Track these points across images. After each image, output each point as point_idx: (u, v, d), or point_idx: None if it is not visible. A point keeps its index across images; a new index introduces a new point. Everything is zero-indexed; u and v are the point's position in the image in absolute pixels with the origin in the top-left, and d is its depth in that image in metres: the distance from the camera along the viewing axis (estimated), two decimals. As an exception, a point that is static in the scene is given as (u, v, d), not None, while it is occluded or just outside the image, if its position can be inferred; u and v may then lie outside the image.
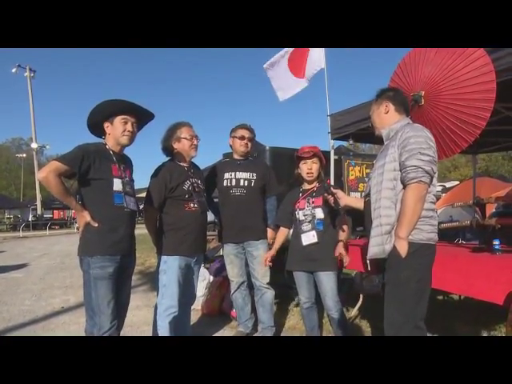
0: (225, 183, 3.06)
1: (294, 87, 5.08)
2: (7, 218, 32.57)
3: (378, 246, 1.86)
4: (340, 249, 2.57)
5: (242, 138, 3.05)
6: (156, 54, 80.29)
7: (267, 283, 3.05)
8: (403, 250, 1.76)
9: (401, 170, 1.82)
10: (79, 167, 2.07)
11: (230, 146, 3.17)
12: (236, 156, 3.14)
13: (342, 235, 2.63)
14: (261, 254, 3.00)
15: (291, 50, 4.97)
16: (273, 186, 3.15)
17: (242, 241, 3.04)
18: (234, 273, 3.11)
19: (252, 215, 3.00)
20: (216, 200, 3.26)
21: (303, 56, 4.91)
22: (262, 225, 3.05)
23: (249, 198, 3.01)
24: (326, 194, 2.42)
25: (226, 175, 3.07)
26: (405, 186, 1.80)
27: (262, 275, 3.03)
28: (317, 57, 4.81)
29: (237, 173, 3.05)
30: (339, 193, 2.33)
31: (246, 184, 3.03)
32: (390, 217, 1.83)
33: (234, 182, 3.04)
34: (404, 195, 1.79)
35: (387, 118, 2.04)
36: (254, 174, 3.06)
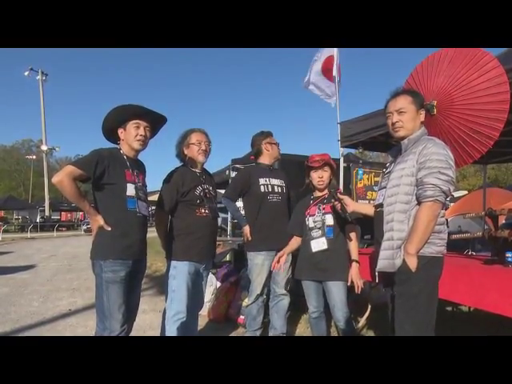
0: (262, 189, 3.00)
1: (333, 90, 5.25)
2: (15, 218, 32.94)
3: (388, 259, 1.86)
4: (354, 273, 2.54)
5: (276, 144, 3.13)
6: (169, 57, 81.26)
7: (287, 290, 3.04)
8: (413, 265, 1.77)
9: (417, 186, 1.80)
10: (93, 172, 2.09)
11: (260, 152, 3.11)
12: (267, 162, 3.12)
13: (354, 251, 2.59)
14: (289, 261, 2.99)
15: (322, 57, 5.09)
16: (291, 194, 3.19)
17: (279, 248, 2.84)
18: (257, 283, 2.99)
19: (287, 221, 2.97)
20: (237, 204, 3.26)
21: (331, 61, 5.06)
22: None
23: (284, 205, 3.03)
24: (333, 201, 2.42)
25: (262, 181, 3.02)
26: (419, 203, 1.79)
27: (284, 283, 3.02)
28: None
29: (271, 179, 3.04)
30: (346, 199, 2.31)
31: (280, 190, 3.04)
32: (402, 231, 1.83)
33: (270, 188, 3.01)
34: (418, 212, 1.78)
35: (418, 126, 1.95)
36: (283, 181, 3.10)
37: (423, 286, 1.79)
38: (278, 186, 3.04)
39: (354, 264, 2.56)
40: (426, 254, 1.79)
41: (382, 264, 1.88)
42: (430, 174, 1.75)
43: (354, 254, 2.59)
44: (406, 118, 1.92)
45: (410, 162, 1.84)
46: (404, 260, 1.80)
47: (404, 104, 1.93)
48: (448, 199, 1.90)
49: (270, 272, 2.96)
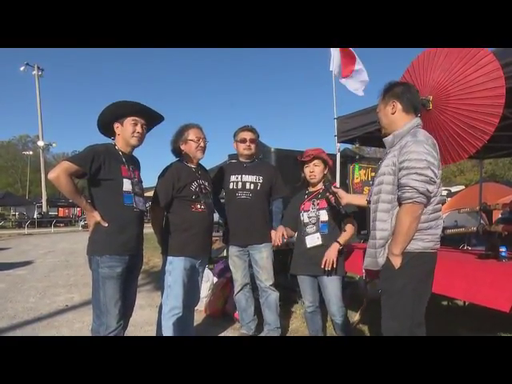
0: (231, 186, 3.07)
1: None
2: (12, 214, 32.81)
3: (371, 257, 1.90)
4: (330, 252, 2.52)
5: (243, 141, 3.05)
6: (165, 55, 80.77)
7: (271, 285, 3.06)
8: (397, 264, 1.78)
9: (398, 187, 1.79)
10: (90, 167, 2.09)
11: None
12: (241, 159, 3.14)
13: (343, 236, 2.59)
14: (264, 257, 3.01)
15: (336, 53, 4.98)
16: (279, 189, 3.14)
17: (246, 244, 3.06)
18: (237, 274, 3.13)
19: (256, 219, 3.00)
20: (223, 201, 3.27)
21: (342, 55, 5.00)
22: (265, 228, 3.04)
23: (254, 202, 3.02)
24: (327, 194, 2.43)
25: (233, 178, 3.07)
26: (400, 204, 1.79)
27: (265, 277, 3.04)
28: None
29: (243, 176, 3.05)
30: (340, 192, 2.33)
31: (251, 187, 3.03)
32: (384, 231, 1.84)
33: (239, 185, 3.04)
34: (399, 214, 1.78)
35: (394, 119, 1.94)
36: (261, 177, 3.06)
37: (407, 281, 1.77)
38: (251, 182, 3.04)
39: (334, 243, 2.55)
40: (410, 250, 1.77)
41: (367, 262, 1.93)
42: (408, 175, 1.73)
43: (342, 238, 2.58)
44: (379, 117, 2.03)
45: (392, 159, 1.83)
46: (388, 258, 1.80)
47: (378, 104, 2.04)
48: (445, 193, 1.90)
49: (250, 264, 3.12)
